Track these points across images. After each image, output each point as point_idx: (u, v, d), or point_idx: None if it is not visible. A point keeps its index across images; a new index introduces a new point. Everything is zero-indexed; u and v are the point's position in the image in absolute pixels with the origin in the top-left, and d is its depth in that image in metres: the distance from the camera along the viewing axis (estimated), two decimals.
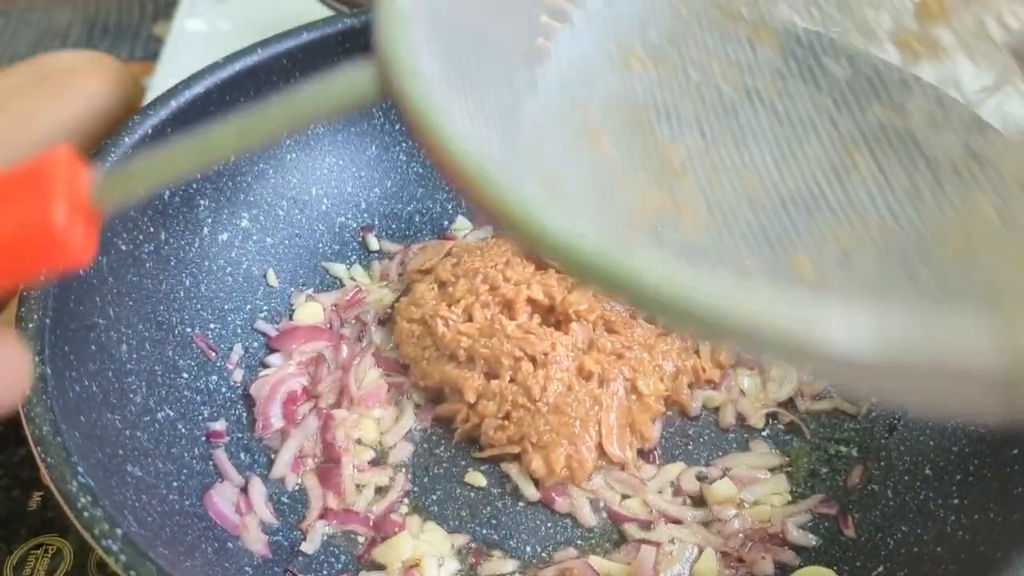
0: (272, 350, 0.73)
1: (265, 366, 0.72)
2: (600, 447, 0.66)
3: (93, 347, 0.58)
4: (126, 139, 0.64)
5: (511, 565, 0.62)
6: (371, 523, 0.63)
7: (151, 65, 1.10)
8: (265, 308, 0.75)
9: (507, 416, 0.66)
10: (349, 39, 0.76)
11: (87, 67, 1.08)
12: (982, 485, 0.57)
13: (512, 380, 0.67)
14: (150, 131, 0.66)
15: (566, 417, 0.65)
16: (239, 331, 0.73)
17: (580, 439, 0.65)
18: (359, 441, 0.68)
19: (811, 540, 0.62)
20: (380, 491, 0.66)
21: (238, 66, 0.72)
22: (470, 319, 0.71)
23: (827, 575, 0.60)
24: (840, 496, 0.65)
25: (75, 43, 1.82)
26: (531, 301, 0.71)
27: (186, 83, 0.69)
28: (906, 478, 0.63)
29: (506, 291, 0.71)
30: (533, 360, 0.67)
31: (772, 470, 0.67)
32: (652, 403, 0.68)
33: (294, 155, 0.78)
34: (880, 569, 0.58)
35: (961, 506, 0.57)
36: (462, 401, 0.68)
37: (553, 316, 0.71)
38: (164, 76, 1.05)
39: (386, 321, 0.76)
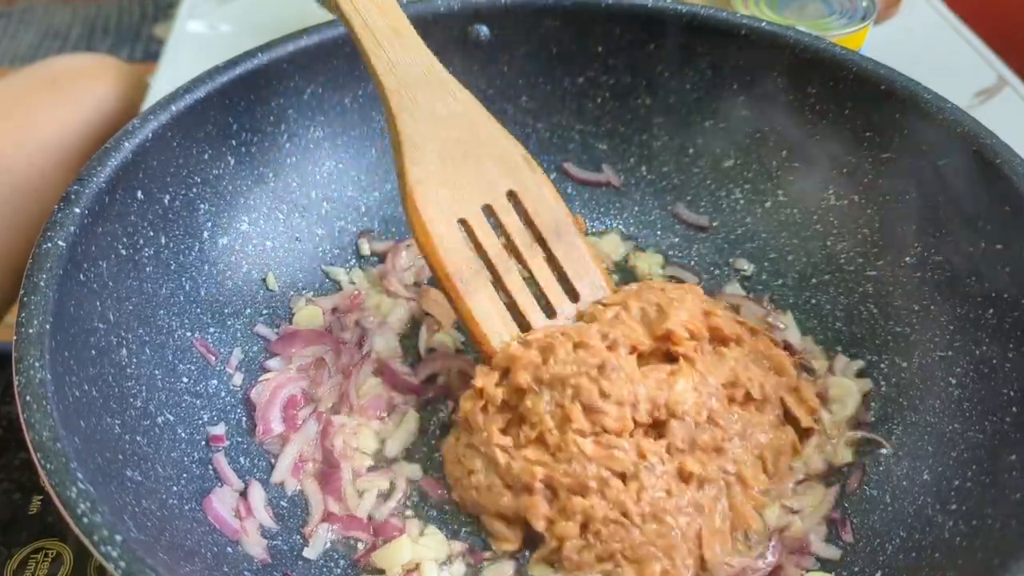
0: (272, 354, 0.73)
1: (265, 370, 0.72)
2: (701, 559, 0.60)
3: (93, 352, 0.58)
4: (126, 144, 0.64)
5: (510, 567, 0.62)
6: (371, 528, 0.63)
7: (151, 66, 1.10)
8: (265, 312, 0.75)
9: (597, 533, 0.59)
10: (349, 43, 0.76)
11: (96, 70, 1.09)
12: (980, 491, 0.57)
13: (602, 497, 0.60)
14: (150, 135, 0.66)
15: (665, 527, 0.59)
16: (239, 335, 0.73)
17: (677, 551, 0.59)
18: (358, 449, 0.68)
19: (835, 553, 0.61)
20: (381, 496, 0.66)
21: (239, 70, 0.72)
22: (539, 440, 0.62)
23: None
24: (839, 501, 0.65)
25: (75, 44, 1.82)
26: (636, 423, 0.62)
27: (186, 87, 0.69)
28: (904, 484, 0.63)
29: (607, 417, 0.61)
30: (623, 476, 0.60)
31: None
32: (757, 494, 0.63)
33: (294, 159, 0.78)
34: (878, 575, 0.58)
35: (959, 512, 0.57)
36: (516, 531, 0.62)
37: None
38: (165, 78, 1.05)
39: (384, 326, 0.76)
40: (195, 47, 1.12)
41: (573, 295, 0.68)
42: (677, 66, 0.81)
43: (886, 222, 0.73)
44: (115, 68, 1.12)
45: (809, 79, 0.75)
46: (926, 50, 1.07)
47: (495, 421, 0.63)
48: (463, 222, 0.66)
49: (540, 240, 0.68)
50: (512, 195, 0.68)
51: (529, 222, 0.68)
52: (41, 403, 0.49)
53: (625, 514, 0.60)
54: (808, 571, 0.61)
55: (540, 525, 0.61)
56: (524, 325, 0.66)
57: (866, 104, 0.73)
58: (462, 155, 0.67)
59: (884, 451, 0.66)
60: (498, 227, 0.67)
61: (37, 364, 0.51)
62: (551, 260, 0.68)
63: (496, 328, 0.65)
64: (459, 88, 0.69)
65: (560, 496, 0.61)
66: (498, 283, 0.66)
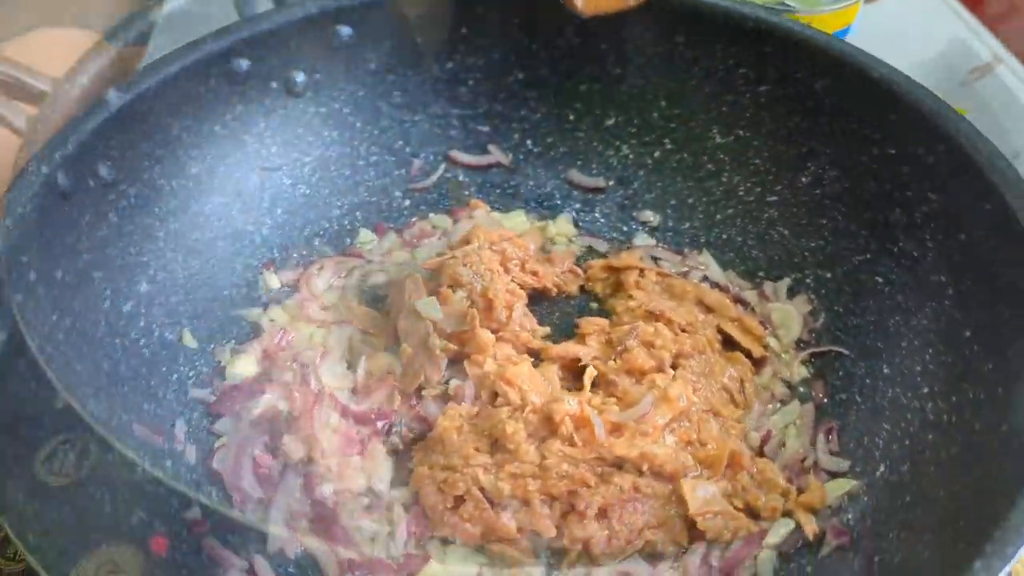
0: (216, 416, 0.66)
1: (216, 435, 0.65)
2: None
3: None
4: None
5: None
6: (395, 566, 0.60)
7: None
8: (191, 374, 0.68)
9: (619, 518, 0.60)
10: (217, 68, 0.70)
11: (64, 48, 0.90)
12: (946, 370, 0.62)
13: (606, 483, 0.61)
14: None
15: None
16: (175, 405, 0.65)
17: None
18: (348, 490, 0.63)
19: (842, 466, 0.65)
20: (389, 530, 0.62)
21: (91, 123, 0.64)
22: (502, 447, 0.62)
23: (847, 485, 0.63)
24: (817, 415, 0.68)
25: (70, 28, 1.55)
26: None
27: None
28: (868, 381, 0.67)
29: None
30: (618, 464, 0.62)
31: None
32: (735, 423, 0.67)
33: (176, 201, 0.71)
34: (882, 468, 0.62)
35: (933, 393, 0.62)
36: (527, 546, 0.61)
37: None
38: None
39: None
40: (184, 31, 0.96)
41: None
42: (544, 37, 0.81)
43: (774, 149, 0.77)
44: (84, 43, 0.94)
45: (675, 27, 0.78)
46: (921, 27, 1.06)
47: (469, 441, 0.63)
48: None
49: None
50: None
51: None
52: None
53: (636, 488, 0.61)
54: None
55: (552, 532, 0.60)
56: None
57: (735, 42, 0.76)
58: None
59: (839, 358, 0.70)
60: None
61: None
62: None
63: None
64: None
65: (560, 499, 0.60)
66: None
